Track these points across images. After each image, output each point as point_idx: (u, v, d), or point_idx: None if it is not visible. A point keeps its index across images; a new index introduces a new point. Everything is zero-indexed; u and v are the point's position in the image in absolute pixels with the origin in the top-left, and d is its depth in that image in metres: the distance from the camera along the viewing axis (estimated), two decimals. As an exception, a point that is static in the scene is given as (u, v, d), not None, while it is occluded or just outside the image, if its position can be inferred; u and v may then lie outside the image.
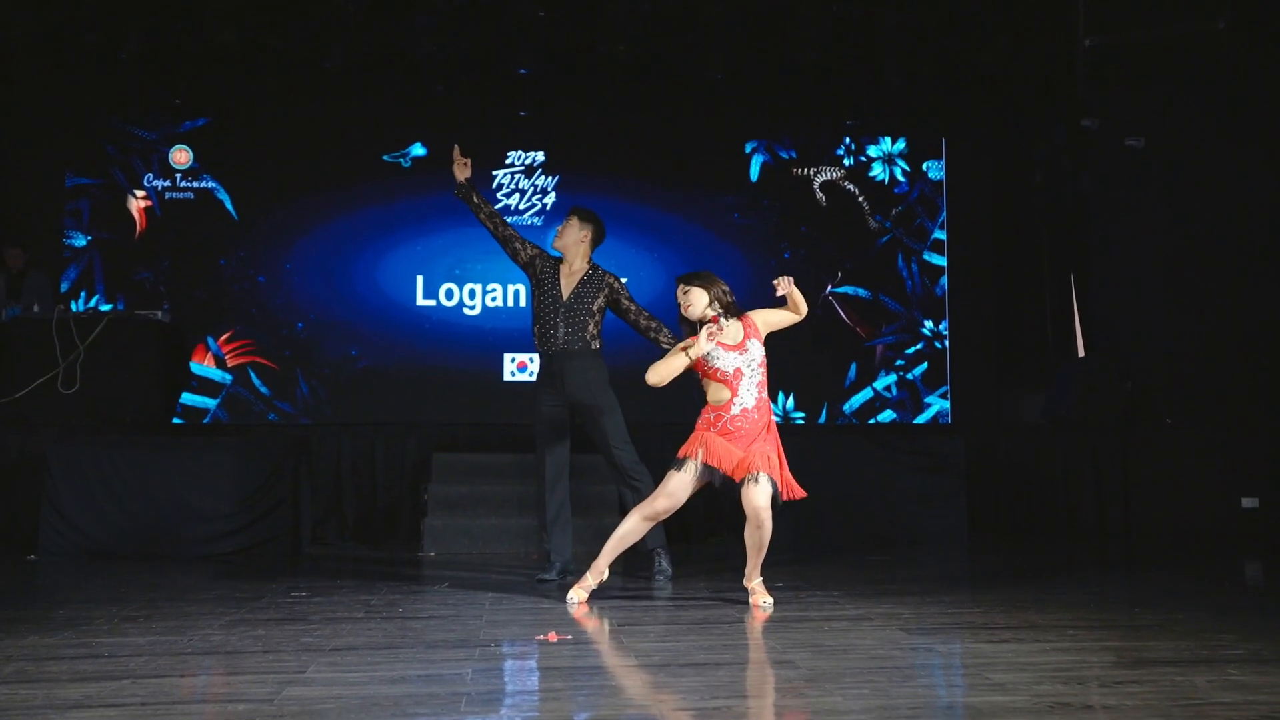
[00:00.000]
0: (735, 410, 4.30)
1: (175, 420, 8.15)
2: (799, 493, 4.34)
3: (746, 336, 4.37)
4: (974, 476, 7.04)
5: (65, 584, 5.10)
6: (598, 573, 4.51)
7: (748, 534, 4.35)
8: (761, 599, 4.36)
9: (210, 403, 8.97)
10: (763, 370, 4.37)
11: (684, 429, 4.53)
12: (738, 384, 4.31)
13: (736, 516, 6.72)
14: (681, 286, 4.47)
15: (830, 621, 3.97)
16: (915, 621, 3.97)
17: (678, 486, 4.32)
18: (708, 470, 4.28)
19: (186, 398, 8.72)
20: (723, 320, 4.39)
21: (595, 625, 4.01)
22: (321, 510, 6.89)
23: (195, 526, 6.10)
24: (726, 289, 4.45)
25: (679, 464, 4.33)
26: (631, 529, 4.46)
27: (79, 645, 3.46)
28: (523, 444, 6.64)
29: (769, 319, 4.48)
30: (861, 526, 6.70)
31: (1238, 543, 6.70)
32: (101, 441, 6.27)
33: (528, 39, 8.43)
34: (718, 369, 4.33)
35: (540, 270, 5.24)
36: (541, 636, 3.65)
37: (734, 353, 4.33)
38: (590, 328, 5.15)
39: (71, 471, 6.08)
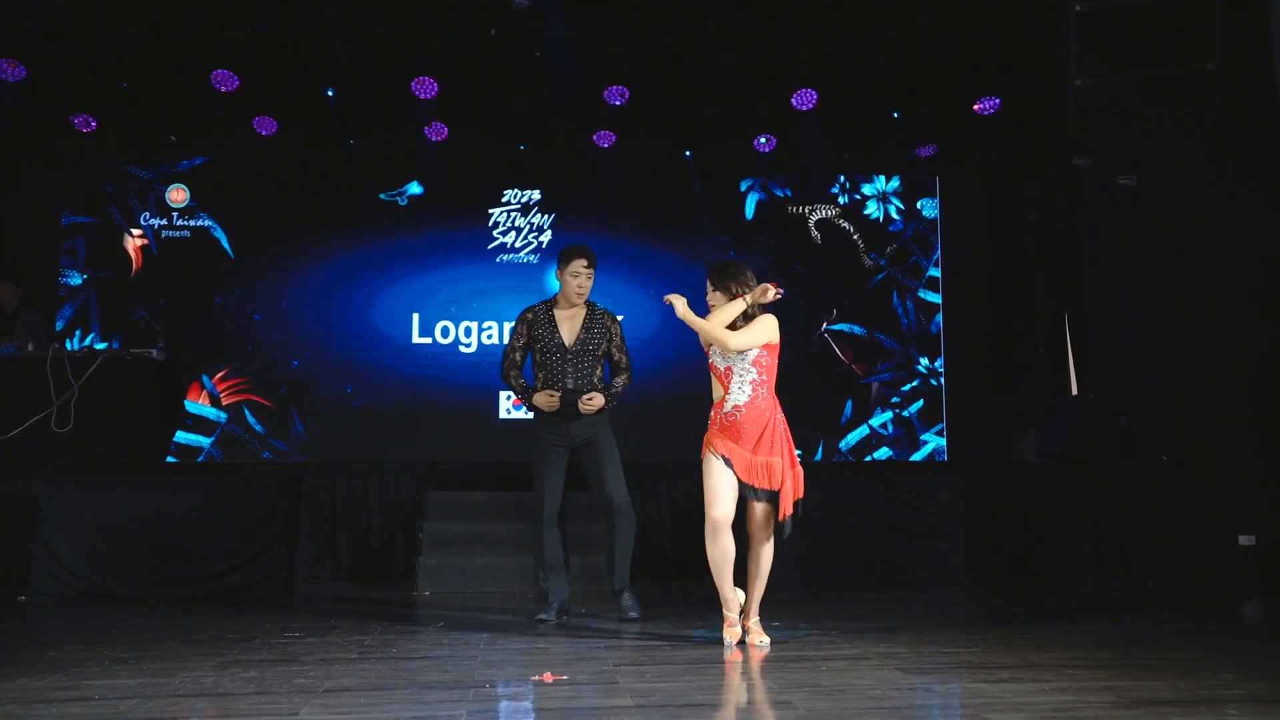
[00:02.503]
0: (728, 407, 4.32)
1: (169, 459, 8.12)
2: (786, 511, 4.27)
3: None
4: (970, 514, 7.02)
5: (56, 625, 5.06)
6: (736, 605, 4.41)
7: (749, 559, 4.34)
8: (758, 638, 4.33)
9: (205, 441, 8.95)
10: (757, 369, 4.32)
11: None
12: (728, 381, 4.34)
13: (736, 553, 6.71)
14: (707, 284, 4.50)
15: (827, 661, 3.95)
16: (913, 661, 3.94)
17: (717, 481, 4.27)
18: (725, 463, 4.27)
19: (181, 436, 8.71)
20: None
21: (591, 666, 3.98)
22: (315, 549, 6.85)
23: (188, 566, 6.06)
24: (744, 282, 4.40)
25: (704, 461, 4.31)
26: (722, 550, 4.30)
27: (69, 688, 3.43)
28: (518, 482, 6.62)
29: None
30: (857, 565, 6.67)
31: (1235, 580, 6.68)
32: (95, 481, 6.23)
33: (524, 80, 8.49)
34: (712, 363, 4.39)
35: (534, 328, 5.22)
36: (537, 677, 3.63)
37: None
38: (597, 370, 5.19)
39: (64, 511, 6.04)
